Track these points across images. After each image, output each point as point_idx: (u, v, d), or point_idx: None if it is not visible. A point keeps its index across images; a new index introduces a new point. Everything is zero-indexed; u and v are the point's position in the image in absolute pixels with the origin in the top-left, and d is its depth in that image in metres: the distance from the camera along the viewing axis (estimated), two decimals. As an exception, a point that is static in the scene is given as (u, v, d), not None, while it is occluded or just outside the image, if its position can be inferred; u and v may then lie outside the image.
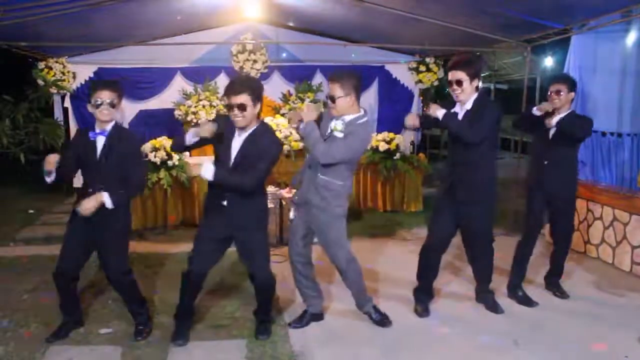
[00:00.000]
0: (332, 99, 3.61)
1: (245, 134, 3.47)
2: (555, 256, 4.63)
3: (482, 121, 3.75)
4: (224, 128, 3.46)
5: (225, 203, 3.50)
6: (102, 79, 3.75)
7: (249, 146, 3.45)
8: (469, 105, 3.85)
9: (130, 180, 3.51)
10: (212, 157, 3.59)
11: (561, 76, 4.64)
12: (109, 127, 3.50)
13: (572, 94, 4.31)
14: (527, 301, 4.41)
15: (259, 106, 3.44)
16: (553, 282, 4.65)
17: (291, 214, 3.96)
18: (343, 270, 3.88)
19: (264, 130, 3.52)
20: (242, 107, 3.34)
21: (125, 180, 3.49)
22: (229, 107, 3.38)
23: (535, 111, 4.34)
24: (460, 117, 3.86)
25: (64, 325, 3.75)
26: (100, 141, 3.49)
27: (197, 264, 3.59)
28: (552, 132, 4.32)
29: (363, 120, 3.71)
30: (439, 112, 3.84)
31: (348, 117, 3.66)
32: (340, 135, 3.61)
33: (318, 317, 4.02)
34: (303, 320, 3.96)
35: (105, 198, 3.41)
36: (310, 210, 3.73)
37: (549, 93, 4.34)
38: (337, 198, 3.69)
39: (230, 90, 3.37)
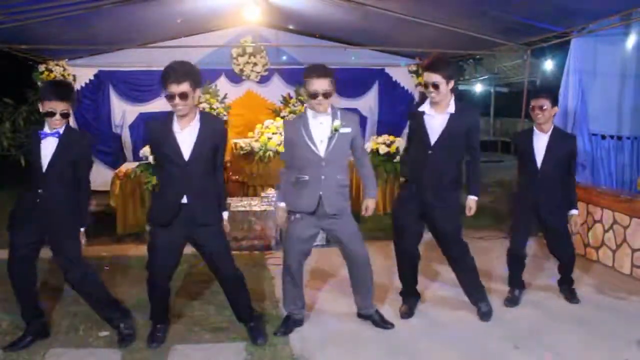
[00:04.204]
0: (326, 94, 3.62)
1: (189, 127, 3.40)
2: (561, 270, 4.58)
3: (477, 133, 3.94)
4: (158, 130, 3.43)
5: (185, 201, 3.44)
6: (54, 83, 3.63)
7: (202, 137, 3.41)
8: (452, 109, 3.81)
9: (83, 185, 3.61)
10: None
11: (543, 90, 4.45)
12: (61, 128, 3.47)
13: (556, 108, 4.24)
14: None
15: (198, 92, 3.39)
16: (565, 289, 4.59)
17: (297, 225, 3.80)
18: (366, 264, 3.89)
19: (207, 116, 3.55)
20: (184, 96, 3.25)
21: (76, 185, 3.55)
22: (170, 96, 3.26)
23: None
24: (443, 120, 3.82)
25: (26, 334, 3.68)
26: (50, 143, 3.45)
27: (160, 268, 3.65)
28: (540, 158, 4.23)
29: (340, 109, 3.86)
30: (474, 200, 4.00)
31: (331, 113, 3.73)
32: (344, 130, 3.70)
33: (300, 323, 3.99)
34: (287, 326, 3.91)
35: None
36: (334, 217, 3.71)
37: (531, 107, 4.22)
38: (348, 193, 3.81)
39: (170, 79, 3.24)
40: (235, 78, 9.00)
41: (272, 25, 8.81)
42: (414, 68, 9.36)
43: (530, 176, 4.31)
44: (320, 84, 3.60)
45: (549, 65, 11.27)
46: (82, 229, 3.60)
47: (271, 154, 7.09)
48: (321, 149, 3.65)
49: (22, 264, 3.54)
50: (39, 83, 8.17)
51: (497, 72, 13.67)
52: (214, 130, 3.49)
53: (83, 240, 3.61)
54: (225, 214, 3.65)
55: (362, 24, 7.51)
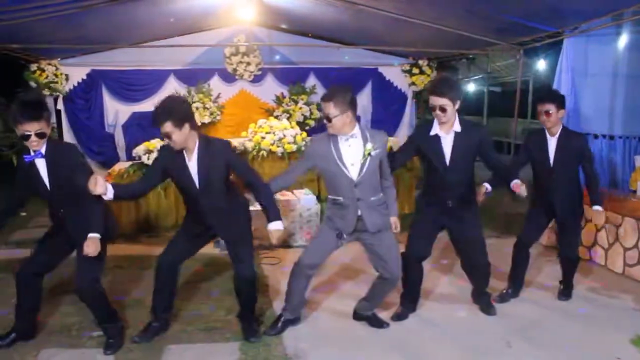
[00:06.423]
0: (328, 118, 3.49)
1: (193, 156, 3.49)
2: (564, 273, 4.58)
3: (490, 144, 4.01)
4: (173, 157, 3.49)
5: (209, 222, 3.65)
6: (22, 104, 3.29)
7: (203, 164, 3.48)
8: (457, 128, 3.83)
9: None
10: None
11: (549, 94, 4.38)
12: (42, 147, 3.36)
13: (563, 111, 4.26)
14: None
15: (187, 127, 3.36)
16: (565, 293, 4.60)
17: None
18: (396, 281, 3.85)
19: (207, 143, 3.52)
20: (168, 136, 3.33)
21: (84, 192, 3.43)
22: (162, 136, 3.36)
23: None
24: (450, 139, 3.84)
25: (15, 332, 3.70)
26: (41, 163, 3.39)
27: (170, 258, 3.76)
28: (552, 159, 4.28)
29: (368, 128, 3.74)
30: (523, 188, 3.83)
31: (359, 134, 3.58)
32: (375, 152, 3.57)
33: (295, 322, 3.99)
34: (278, 325, 3.91)
35: (92, 236, 3.35)
36: (374, 234, 3.69)
37: (537, 112, 4.27)
38: (386, 209, 3.75)
39: (155, 122, 3.32)
40: (229, 77, 8.99)
41: (265, 25, 8.80)
42: (407, 67, 9.38)
43: (545, 176, 4.35)
44: (327, 108, 3.49)
45: (541, 64, 11.30)
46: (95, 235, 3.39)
47: (264, 153, 7.08)
48: (353, 172, 3.55)
49: (34, 279, 3.61)
50: (31, 83, 8.13)
51: (490, 72, 13.69)
52: (211, 157, 3.51)
53: (94, 248, 3.35)
54: (277, 224, 3.64)
55: (355, 23, 7.51)
